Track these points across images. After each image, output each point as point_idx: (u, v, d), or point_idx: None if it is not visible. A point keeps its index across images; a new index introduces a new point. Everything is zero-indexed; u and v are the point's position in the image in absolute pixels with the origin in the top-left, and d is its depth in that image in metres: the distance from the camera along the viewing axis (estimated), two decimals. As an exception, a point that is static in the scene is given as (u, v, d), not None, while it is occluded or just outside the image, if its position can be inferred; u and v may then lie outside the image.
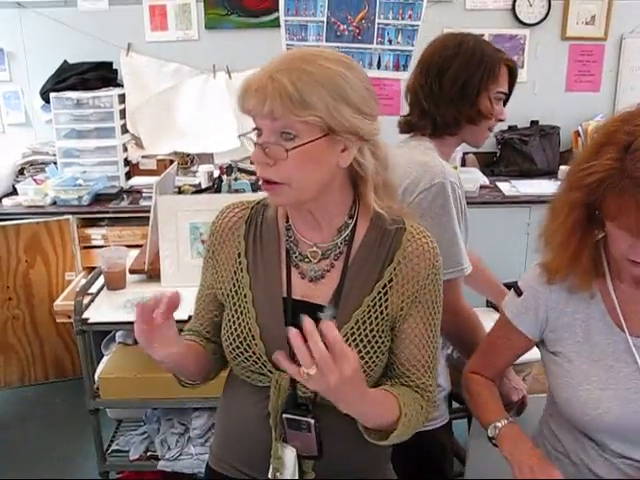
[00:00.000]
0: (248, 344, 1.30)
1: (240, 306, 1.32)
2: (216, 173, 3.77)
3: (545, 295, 1.41)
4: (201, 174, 3.82)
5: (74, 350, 3.75)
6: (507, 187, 3.93)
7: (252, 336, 1.29)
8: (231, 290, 1.35)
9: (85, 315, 2.31)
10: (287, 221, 1.34)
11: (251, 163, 3.74)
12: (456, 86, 1.79)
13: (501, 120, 1.89)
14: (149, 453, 2.59)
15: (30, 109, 4.23)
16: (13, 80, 4.22)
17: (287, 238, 1.33)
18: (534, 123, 4.26)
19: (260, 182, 1.25)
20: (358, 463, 1.38)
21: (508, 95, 1.89)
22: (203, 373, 1.42)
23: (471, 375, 1.58)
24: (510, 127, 4.20)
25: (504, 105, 1.90)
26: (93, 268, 3.01)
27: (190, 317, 1.50)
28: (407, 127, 1.91)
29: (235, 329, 1.32)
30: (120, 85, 4.11)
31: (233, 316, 1.33)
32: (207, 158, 4.12)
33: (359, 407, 1.17)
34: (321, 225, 1.30)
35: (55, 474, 3.02)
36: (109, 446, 2.64)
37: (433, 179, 1.72)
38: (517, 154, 4.18)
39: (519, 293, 1.46)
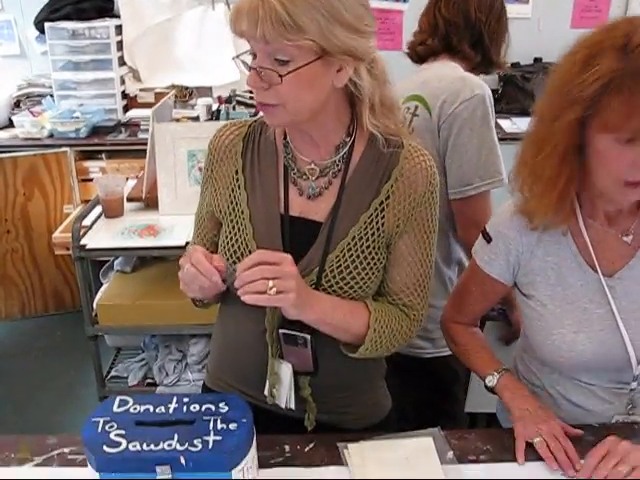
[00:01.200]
0: None
1: (237, 223, 1.32)
2: (215, 106, 3.73)
3: (515, 240, 1.37)
4: (199, 107, 3.77)
5: (73, 283, 3.77)
6: (508, 124, 3.91)
7: (249, 252, 1.29)
8: (228, 207, 1.34)
9: (83, 242, 2.31)
10: (285, 138, 1.33)
11: (249, 92, 3.70)
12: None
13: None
14: (147, 380, 2.63)
15: (24, 40, 4.15)
16: (5, 9, 4.13)
17: (285, 155, 1.32)
18: (537, 60, 4.20)
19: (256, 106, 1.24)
20: (352, 380, 1.41)
21: None
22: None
23: (451, 325, 1.55)
24: (513, 64, 4.13)
25: None
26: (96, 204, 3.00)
27: (187, 243, 1.50)
28: (428, 53, 1.93)
29: (232, 245, 1.32)
30: (117, 16, 4.02)
31: (230, 232, 1.33)
32: (206, 92, 4.06)
33: (329, 315, 1.24)
34: (319, 143, 1.29)
35: (56, 402, 3.08)
36: (108, 373, 2.68)
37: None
38: (519, 91, 4.12)
39: (488, 239, 1.41)
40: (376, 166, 1.29)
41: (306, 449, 1.31)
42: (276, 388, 1.34)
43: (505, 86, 4.16)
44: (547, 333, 1.35)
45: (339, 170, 1.30)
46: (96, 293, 2.67)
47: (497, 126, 3.74)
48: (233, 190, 1.34)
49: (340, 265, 1.26)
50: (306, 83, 1.16)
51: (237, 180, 1.34)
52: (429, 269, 1.34)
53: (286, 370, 1.32)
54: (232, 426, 1.12)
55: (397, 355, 1.78)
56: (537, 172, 1.27)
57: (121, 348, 2.79)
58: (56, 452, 1.31)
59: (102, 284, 2.73)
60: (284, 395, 1.34)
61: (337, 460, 1.27)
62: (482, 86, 1.79)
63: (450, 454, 1.28)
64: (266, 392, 1.35)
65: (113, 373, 2.67)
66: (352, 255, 1.27)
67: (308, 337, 1.27)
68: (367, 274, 1.28)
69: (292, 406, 1.34)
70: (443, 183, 1.78)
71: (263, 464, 1.25)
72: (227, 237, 1.33)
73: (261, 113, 1.26)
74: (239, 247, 1.31)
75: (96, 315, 2.47)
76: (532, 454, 1.28)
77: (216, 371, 1.50)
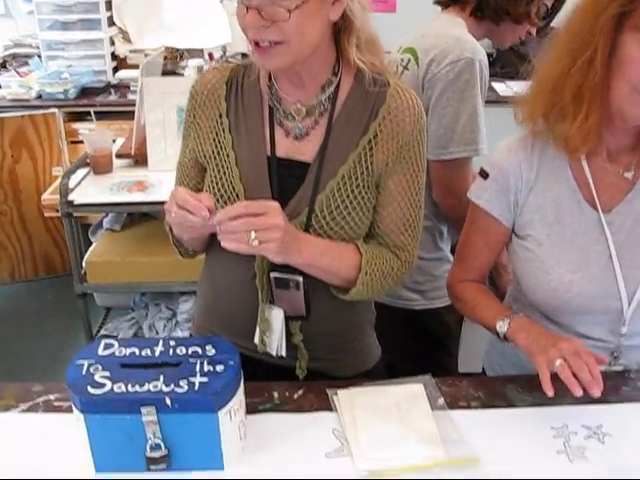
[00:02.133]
0: (232, 203, 1.27)
1: (223, 167, 1.29)
2: (206, 67, 3.67)
3: (514, 175, 1.33)
4: (190, 68, 3.72)
5: (63, 246, 3.73)
6: (502, 88, 3.87)
7: (236, 195, 1.27)
8: (213, 152, 1.31)
9: (70, 197, 2.27)
10: (270, 80, 1.30)
11: (242, 55, 3.66)
12: None
13: (529, 34, 1.86)
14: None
15: (9, -2, 4.07)
16: (-12, -34, 4.05)
17: (270, 96, 1.29)
18: (534, 23, 4.13)
19: (249, 48, 1.19)
20: (343, 326, 1.39)
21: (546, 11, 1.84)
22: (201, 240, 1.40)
23: (458, 285, 1.50)
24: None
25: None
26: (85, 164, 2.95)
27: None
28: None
29: (219, 189, 1.29)
30: (105, -27, 3.94)
31: (216, 177, 1.30)
32: (197, 53, 4.00)
33: (318, 259, 1.22)
34: (305, 83, 1.26)
35: (46, 363, 3.06)
36: (98, 332, 2.66)
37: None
38: (514, 55, 4.06)
39: (485, 175, 1.37)
40: (363, 104, 1.26)
41: (295, 396, 1.29)
42: (267, 335, 1.32)
43: (500, 50, 4.10)
44: (544, 274, 1.33)
45: (325, 109, 1.27)
46: (86, 252, 2.64)
47: (491, 89, 3.77)
48: (217, 134, 1.31)
49: (330, 205, 1.24)
50: (311, 17, 1.13)
51: (221, 124, 1.30)
52: (419, 209, 1.32)
53: (277, 316, 1.30)
54: (219, 368, 1.10)
55: (387, 307, 1.77)
56: (574, 84, 1.21)
57: (111, 308, 2.77)
58: (42, 399, 1.29)
59: (91, 244, 2.70)
60: (275, 342, 1.32)
61: (326, 406, 1.25)
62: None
63: (441, 400, 1.26)
64: (256, 340, 1.33)
65: (103, 332, 2.66)
66: (342, 195, 1.24)
67: (300, 279, 1.25)
68: (357, 214, 1.26)
69: (283, 353, 1.32)
70: None
71: (252, 410, 1.23)
72: (213, 182, 1.30)
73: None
74: (225, 191, 1.28)
75: (85, 274, 2.44)
76: (528, 401, 1.28)
77: (203, 321, 1.47)
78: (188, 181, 1.39)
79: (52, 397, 1.30)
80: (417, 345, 1.89)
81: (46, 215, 3.29)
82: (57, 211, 2.62)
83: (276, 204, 1.14)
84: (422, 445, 1.14)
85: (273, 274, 1.26)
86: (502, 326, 1.32)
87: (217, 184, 1.29)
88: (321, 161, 1.25)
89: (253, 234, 1.10)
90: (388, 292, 1.34)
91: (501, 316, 1.34)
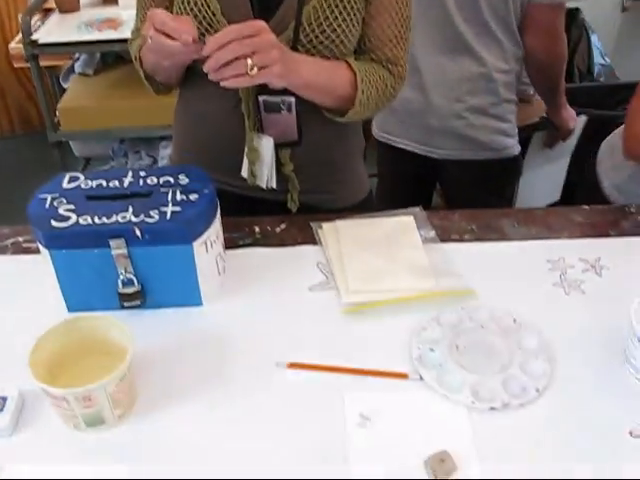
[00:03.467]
0: (209, 23, 1.14)
1: None
2: None
3: None
4: None
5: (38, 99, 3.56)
6: None
7: (212, 13, 1.13)
8: None
9: (35, 37, 2.11)
10: None
11: None
12: None
13: None
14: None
15: None
16: None
17: None
18: None
19: None
20: (333, 153, 1.32)
21: None
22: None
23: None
24: None
25: None
26: (49, 10, 2.74)
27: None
28: None
29: (191, 9, 1.15)
30: None
31: None
32: None
33: (314, 78, 1.12)
34: None
35: (22, 215, 2.98)
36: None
37: None
38: None
39: None
40: None
41: (278, 230, 1.23)
42: (256, 166, 1.23)
43: None
44: None
45: None
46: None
47: None
48: None
49: (319, 17, 1.12)
50: None
51: None
52: (409, 19, 1.22)
53: (267, 144, 1.21)
54: (192, 197, 1.02)
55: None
56: None
57: (90, 158, 2.66)
58: (10, 241, 1.24)
59: (64, 90, 2.54)
60: (265, 173, 1.23)
61: (311, 240, 1.19)
62: None
63: (432, 233, 1.19)
64: (244, 173, 1.25)
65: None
66: (330, 5, 1.12)
67: (292, 99, 1.14)
68: (347, 26, 1.14)
69: (274, 185, 1.24)
70: None
71: (231, 246, 1.17)
72: (185, 1, 1.16)
73: None
74: (200, 10, 1.14)
75: (59, 122, 2.31)
76: (524, 234, 1.21)
77: (180, 160, 1.38)
78: (155, 6, 1.24)
79: (21, 239, 1.24)
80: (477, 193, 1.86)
81: (16, 66, 3.11)
82: (27, 61, 2.45)
83: (263, 22, 1.02)
84: (411, 277, 1.09)
85: (262, 97, 1.15)
86: None
87: (189, 3, 1.15)
88: None
89: (250, 61, 0.98)
90: (380, 110, 1.27)
91: None
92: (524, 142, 1.99)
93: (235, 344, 1.00)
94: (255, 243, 1.19)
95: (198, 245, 1.00)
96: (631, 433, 0.87)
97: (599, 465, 0.83)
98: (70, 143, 2.65)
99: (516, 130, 1.80)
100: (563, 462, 0.84)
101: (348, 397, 0.91)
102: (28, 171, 3.32)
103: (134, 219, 0.98)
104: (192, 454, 0.85)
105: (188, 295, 1.05)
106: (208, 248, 1.02)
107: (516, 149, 1.81)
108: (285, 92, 1.13)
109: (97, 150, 2.62)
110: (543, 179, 2.18)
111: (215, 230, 1.04)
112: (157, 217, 0.98)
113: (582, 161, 1.77)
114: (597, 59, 2.76)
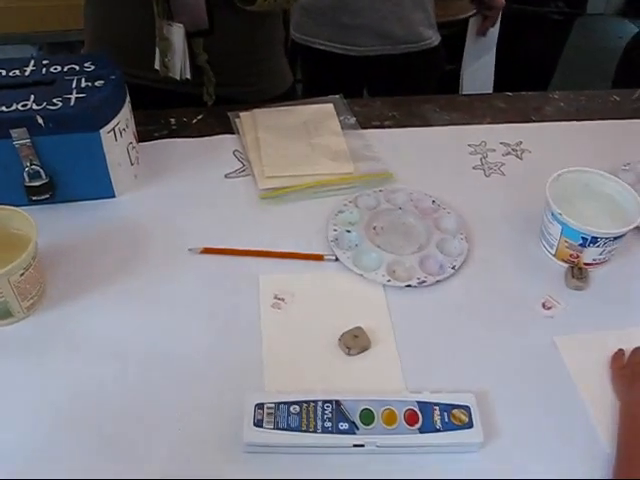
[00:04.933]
0: None
1: None
2: None
3: None
4: None
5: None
6: None
7: None
8: None
9: None
10: None
11: None
12: None
13: None
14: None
15: None
16: None
17: None
18: None
19: None
20: (251, 44, 1.26)
21: None
22: None
23: None
24: None
25: None
26: None
27: None
28: None
29: None
30: None
31: None
32: None
33: None
34: None
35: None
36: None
37: None
38: None
39: None
40: None
41: (194, 121, 1.19)
42: (168, 57, 1.17)
43: None
44: None
45: None
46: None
47: None
48: None
49: None
50: None
51: None
52: None
53: (178, 32, 1.14)
54: (98, 83, 0.97)
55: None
56: None
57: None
58: None
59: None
60: (178, 64, 1.18)
61: (228, 130, 1.16)
62: None
63: (352, 119, 1.17)
64: (157, 65, 1.19)
65: None
66: None
67: None
68: None
69: (188, 76, 1.18)
70: None
71: (145, 138, 1.13)
72: None
73: None
74: None
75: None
76: (446, 120, 1.19)
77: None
78: None
79: None
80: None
81: None
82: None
83: None
84: (330, 162, 1.07)
85: None
86: None
87: None
88: None
89: None
90: (292, 5, 1.19)
91: None
92: (462, 34, 1.96)
93: (149, 234, 0.97)
94: (170, 134, 1.15)
95: (105, 133, 0.95)
96: (544, 305, 0.89)
97: (509, 333, 0.85)
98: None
99: (434, 20, 1.73)
100: (476, 333, 0.85)
101: (262, 279, 0.90)
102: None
103: (36, 107, 0.93)
104: (106, 344, 0.83)
105: (100, 186, 1.01)
106: (117, 137, 0.98)
107: (435, 40, 1.75)
108: None
109: (13, 57, 2.47)
110: (482, 69, 2.14)
111: (124, 117, 0.99)
112: (60, 104, 0.93)
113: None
114: None
